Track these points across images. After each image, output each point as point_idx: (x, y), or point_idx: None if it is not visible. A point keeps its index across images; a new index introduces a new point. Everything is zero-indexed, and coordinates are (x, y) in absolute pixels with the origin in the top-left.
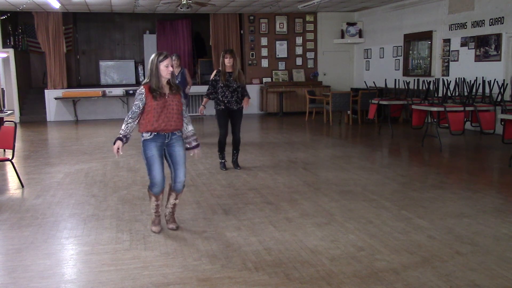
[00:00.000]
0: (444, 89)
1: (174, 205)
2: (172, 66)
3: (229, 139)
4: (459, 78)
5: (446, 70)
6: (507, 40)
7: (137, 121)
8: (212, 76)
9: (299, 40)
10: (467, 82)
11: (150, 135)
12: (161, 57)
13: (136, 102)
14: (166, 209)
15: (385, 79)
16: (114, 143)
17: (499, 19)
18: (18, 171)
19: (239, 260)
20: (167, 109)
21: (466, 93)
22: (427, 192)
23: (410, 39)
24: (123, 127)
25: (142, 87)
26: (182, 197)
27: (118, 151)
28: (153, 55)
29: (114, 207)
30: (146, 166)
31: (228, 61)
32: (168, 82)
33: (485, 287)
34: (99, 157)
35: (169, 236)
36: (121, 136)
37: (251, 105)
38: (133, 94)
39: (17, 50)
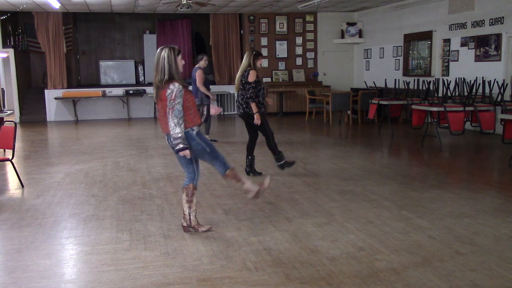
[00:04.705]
0: (444, 89)
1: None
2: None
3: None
4: (459, 78)
5: (446, 70)
6: (507, 40)
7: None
8: (256, 78)
9: (299, 40)
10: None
11: (197, 128)
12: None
13: (179, 100)
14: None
15: (385, 79)
16: (182, 150)
17: (499, 19)
18: (18, 171)
19: (239, 260)
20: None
21: (466, 93)
22: (427, 192)
23: (410, 39)
24: (179, 130)
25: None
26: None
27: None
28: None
29: (114, 207)
30: (210, 155)
31: (260, 63)
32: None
33: (485, 287)
34: (99, 157)
35: (169, 236)
36: (186, 144)
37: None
38: (133, 94)
39: (17, 50)
